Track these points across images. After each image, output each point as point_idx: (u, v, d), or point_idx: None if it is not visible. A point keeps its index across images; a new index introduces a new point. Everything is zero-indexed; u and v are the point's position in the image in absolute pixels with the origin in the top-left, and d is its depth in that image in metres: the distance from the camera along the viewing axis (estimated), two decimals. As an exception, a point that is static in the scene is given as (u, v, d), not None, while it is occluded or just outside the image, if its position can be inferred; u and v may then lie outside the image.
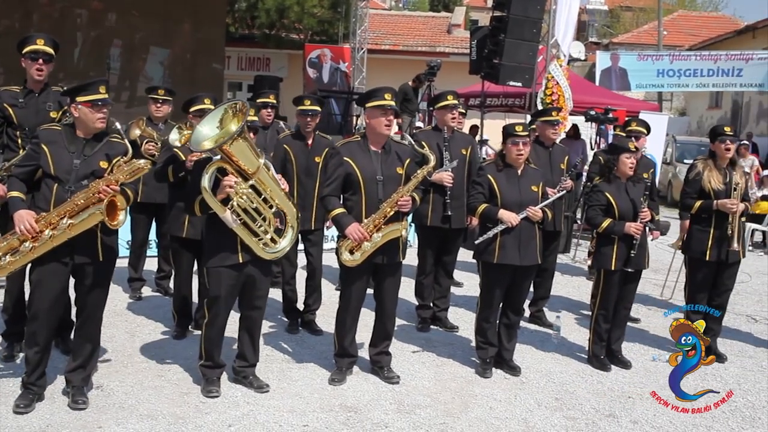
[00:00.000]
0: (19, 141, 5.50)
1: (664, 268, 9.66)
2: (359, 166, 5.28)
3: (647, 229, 6.19)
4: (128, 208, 7.28)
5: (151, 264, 7.88)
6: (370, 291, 5.57)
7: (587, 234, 6.26)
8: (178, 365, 5.62)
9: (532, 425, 4.99)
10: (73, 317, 5.11)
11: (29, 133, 5.19)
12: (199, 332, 5.36)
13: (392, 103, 5.38)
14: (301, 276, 6.82)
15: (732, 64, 17.78)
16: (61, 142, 4.68)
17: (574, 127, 14.05)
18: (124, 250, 8.39)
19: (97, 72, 14.73)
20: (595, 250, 6.09)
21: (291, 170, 6.45)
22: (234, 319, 5.28)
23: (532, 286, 6.56)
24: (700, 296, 6.43)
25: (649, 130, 7.83)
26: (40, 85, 5.62)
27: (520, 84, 12.03)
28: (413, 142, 5.89)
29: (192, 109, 6.08)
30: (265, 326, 5.65)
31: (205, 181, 4.71)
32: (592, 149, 12.68)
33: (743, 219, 6.53)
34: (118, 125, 4.89)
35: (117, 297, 7.42)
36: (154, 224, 7.66)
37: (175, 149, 5.95)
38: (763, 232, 12.61)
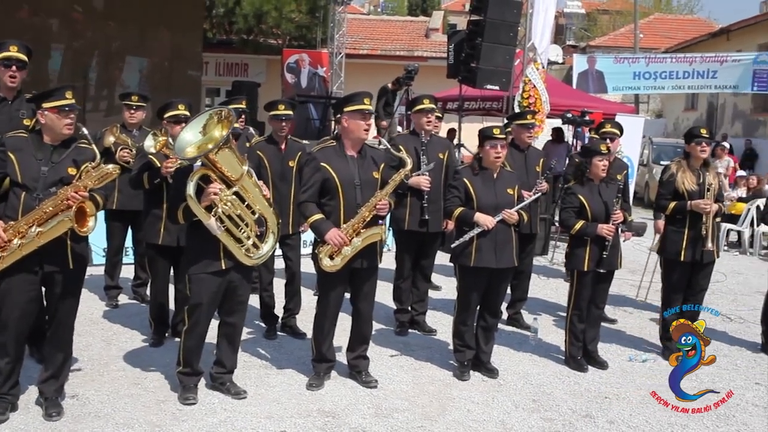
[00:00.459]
0: None
1: (640, 269, 9.73)
2: (336, 171, 5.28)
3: (619, 230, 6.24)
4: (104, 215, 7.35)
5: (127, 271, 7.83)
6: (346, 295, 5.57)
7: (565, 236, 6.31)
8: (155, 373, 5.59)
9: (510, 427, 5.01)
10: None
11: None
12: (177, 339, 5.34)
13: (371, 107, 5.39)
14: (278, 281, 6.81)
15: (707, 66, 17.94)
16: (28, 150, 4.62)
17: (558, 131, 14.15)
18: (100, 258, 8.37)
19: (76, 82, 14.63)
20: (569, 252, 6.16)
21: (266, 175, 6.44)
22: (212, 325, 5.26)
23: (509, 288, 6.59)
24: (675, 297, 6.49)
25: (622, 131, 7.91)
26: (13, 92, 5.58)
27: (497, 87, 12.06)
28: (389, 146, 5.91)
29: (166, 115, 6.05)
30: (243, 332, 5.64)
31: (190, 189, 4.70)
32: (569, 153, 12.77)
33: (717, 219, 6.59)
34: (85, 131, 4.84)
35: (93, 305, 7.38)
36: (130, 231, 7.60)
37: (150, 156, 5.92)
38: (739, 232, 12.74)
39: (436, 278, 8.32)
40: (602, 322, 6.74)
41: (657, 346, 6.73)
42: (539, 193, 6.70)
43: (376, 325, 6.24)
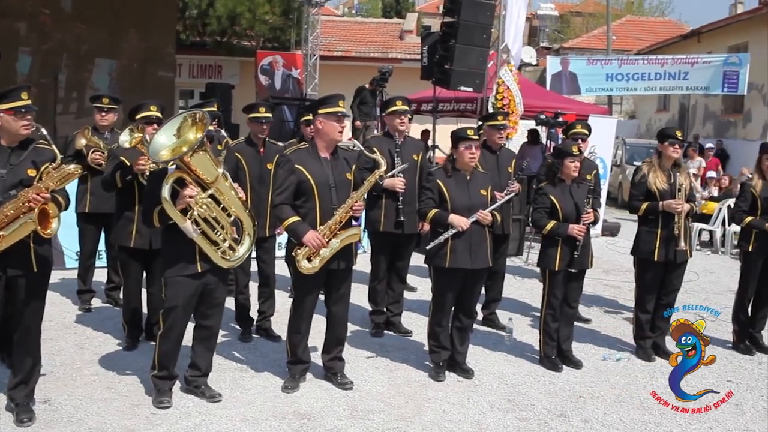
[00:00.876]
0: None
1: (614, 269, 9.83)
2: (311, 173, 5.27)
3: (590, 229, 6.30)
4: (76, 218, 7.29)
5: (100, 275, 7.77)
6: (321, 297, 5.56)
7: (539, 237, 6.36)
8: (129, 377, 5.55)
9: (485, 427, 5.03)
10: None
11: None
12: (152, 343, 5.29)
13: (345, 110, 5.40)
14: (252, 284, 6.78)
15: (678, 67, 18.14)
16: None
17: (533, 132, 14.23)
18: (72, 262, 8.29)
19: (46, 85, 14.49)
20: (540, 251, 6.21)
21: (244, 178, 6.42)
22: (187, 328, 5.23)
23: (483, 289, 6.62)
24: (648, 297, 6.55)
25: (590, 132, 8.00)
26: None
27: (471, 89, 12.11)
28: (363, 148, 5.91)
29: (138, 117, 6.02)
30: (218, 335, 5.61)
31: (165, 192, 4.67)
32: (544, 154, 12.85)
33: (689, 219, 6.66)
34: (44, 131, 4.77)
35: (66, 309, 7.31)
36: (103, 235, 7.53)
37: (122, 157, 5.88)
38: (711, 232, 12.88)
39: (411, 279, 8.33)
40: (576, 321, 6.80)
41: (631, 346, 6.78)
42: (512, 194, 6.74)
43: (351, 327, 6.23)
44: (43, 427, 4.65)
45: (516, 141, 13.74)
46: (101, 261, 8.01)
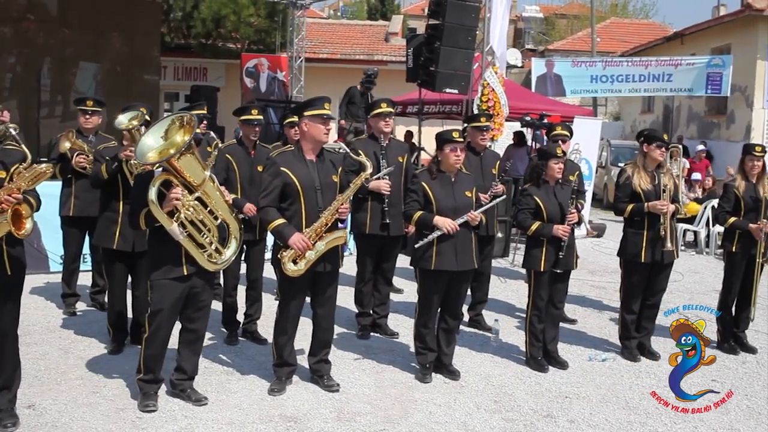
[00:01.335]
0: None
1: (599, 270, 9.87)
2: (297, 176, 5.26)
3: (574, 230, 6.33)
4: (60, 222, 7.25)
5: (85, 279, 7.72)
6: (307, 299, 5.56)
7: (525, 238, 6.40)
8: (114, 381, 5.52)
9: (472, 428, 5.04)
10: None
11: None
12: (137, 346, 5.27)
13: (330, 112, 5.40)
14: (239, 287, 6.76)
15: (662, 69, 18.21)
16: None
17: (519, 134, 14.26)
18: (57, 266, 8.25)
19: (29, 91, 14.40)
20: (525, 252, 6.23)
21: (234, 180, 6.42)
22: (173, 331, 5.21)
23: (469, 290, 6.63)
24: (634, 298, 6.58)
25: (571, 134, 8.05)
26: None
27: (456, 91, 12.12)
28: (348, 151, 5.92)
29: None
30: (204, 338, 5.59)
31: (152, 194, 4.66)
32: (528, 155, 12.88)
33: (675, 220, 6.70)
34: (13, 131, 4.73)
35: (50, 313, 7.27)
36: (87, 238, 7.50)
37: (108, 158, 5.88)
38: (695, 232, 12.96)
39: (397, 281, 8.34)
40: (562, 322, 6.82)
41: (616, 346, 6.81)
42: (503, 197, 6.76)
43: (337, 329, 6.23)
44: (27, 431, 4.62)
45: (501, 143, 13.77)
46: (86, 264, 7.97)
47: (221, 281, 6.93)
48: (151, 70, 17.24)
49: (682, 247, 12.40)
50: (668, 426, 5.22)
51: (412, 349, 6.12)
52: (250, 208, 6.26)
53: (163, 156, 4.64)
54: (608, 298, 8.77)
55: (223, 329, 6.72)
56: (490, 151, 7.53)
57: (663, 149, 6.53)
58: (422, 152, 13.71)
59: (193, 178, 4.81)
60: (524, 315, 6.44)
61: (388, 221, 6.67)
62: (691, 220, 12.88)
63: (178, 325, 5.21)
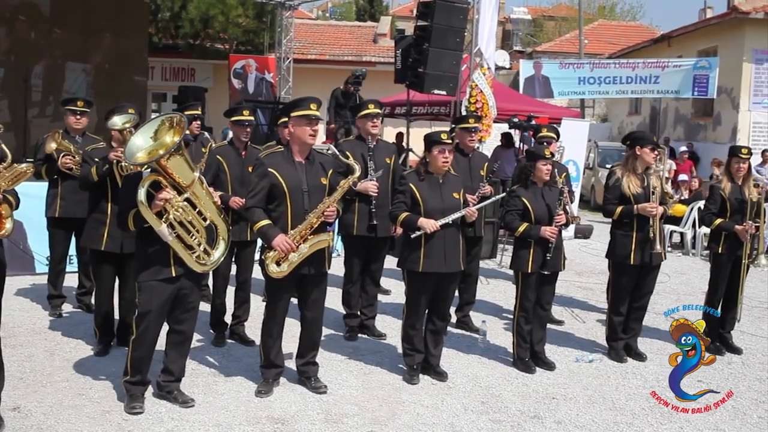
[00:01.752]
0: None
1: (587, 271, 9.90)
2: (284, 177, 5.25)
3: (562, 231, 6.34)
4: (47, 223, 7.21)
5: (71, 280, 7.68)
6: (295, 301, 5.55)
7: (513, 239, 6.41)
8: (100, 383, 5.49)
9: (459, 429, 5.04)
10: None
11: None
12: (124, 348, 5.25)
13: (317, 113, 5.38)
14: (228, 288, 6.75)
15: (649, 71, 18.31)
16: None
17: (507, 136, 14.29)
18: (43, 267, 8.20)
19: (18, 91, 14.31)
20: (513, 254, 6.25)
21: (225, 180, 6.41)
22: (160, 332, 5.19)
23: (457, 291, 6.63)
24: (622, 300, 6.59)
25: (558, 136, 8.09)
26: None
27: (444, 92, 12.14)
28: (337, 153, 5.91)
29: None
30: (192, 339, 5.58)
31: (141, 195, 4.65)
32: (516, 157, 12.93)
33: (662, 221, 6.73)
34: None
35: (36, 315, 7.23)
36: (74, 239, 7.46)
37: (97, 159, 5.86)
38: (681, 234, 13.03)
39: (385, 282, 8.34)
40: (549, 323, 6.83)
41: (603, 347, 6.83)
42: (503, 194, 6.77)
43: (325, 330, 6.22)
44: (12, 434, 4.60)
45: (489, 144, 13.80)
46: (72, 266, 7.93)
47: (209, 283, 6.91)
48: (139, 71, 17.17)
49: (669, 249, 12.46)
50: (654, 427, 5.24)
51: (400, 351, 6.12)
52: (235, 200, 6.23)
53: (152, 156, 4.62)
54: (595, 299, 8.79)
55: (211, 331, 6.70)
56: (479, 153, 7.54)
57: (656, 152, 6.57)
58: (410, 153, 13.70)
59: (182, 179, 4.80)
60: (512, 316, 6.46)
61: (375, 222, 6.68)
62: (677, 221, 12.95)
63: (165, 327, 5.19)
